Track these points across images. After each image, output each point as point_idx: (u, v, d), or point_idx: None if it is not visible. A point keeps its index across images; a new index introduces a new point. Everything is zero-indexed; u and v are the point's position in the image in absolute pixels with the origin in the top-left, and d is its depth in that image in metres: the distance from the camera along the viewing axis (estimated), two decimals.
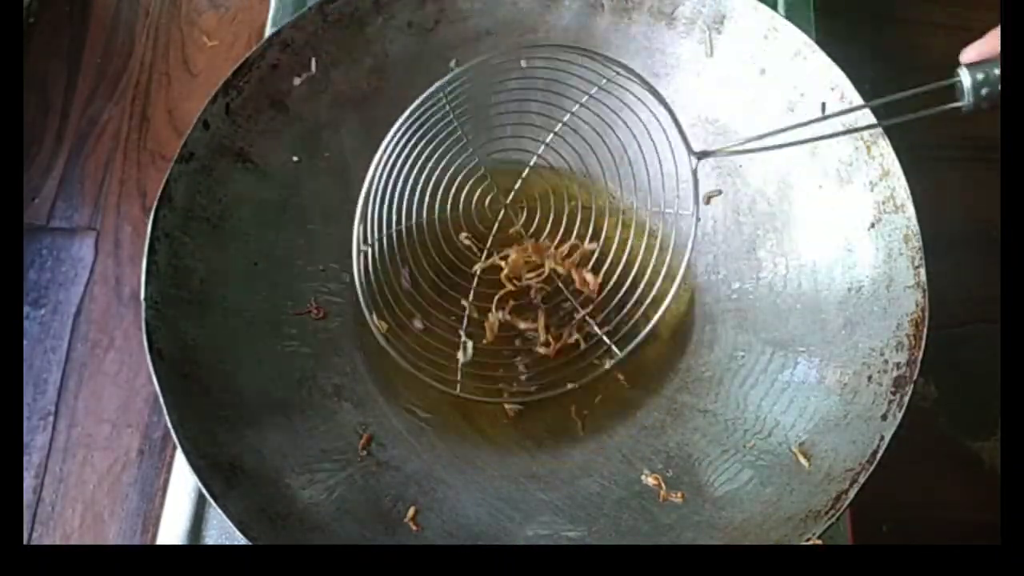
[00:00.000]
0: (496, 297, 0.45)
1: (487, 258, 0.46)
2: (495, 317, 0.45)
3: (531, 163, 0.47)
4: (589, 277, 0.45)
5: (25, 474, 0.51)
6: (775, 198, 0.46)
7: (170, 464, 0.50)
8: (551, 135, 0.46)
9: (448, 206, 0.45)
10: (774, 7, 0.47)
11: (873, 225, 0.42)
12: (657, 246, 0.46)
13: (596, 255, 0.46)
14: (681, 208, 0.44)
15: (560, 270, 0.46)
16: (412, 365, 0.43)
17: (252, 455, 0.40)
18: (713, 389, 0.44)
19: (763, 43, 0.45)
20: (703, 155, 0.42)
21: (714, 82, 0.46)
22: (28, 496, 0.51)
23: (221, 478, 0.38)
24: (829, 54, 0.43)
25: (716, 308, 0.46)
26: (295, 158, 0.46)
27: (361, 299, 0.42)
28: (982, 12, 0.62)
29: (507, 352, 0.45)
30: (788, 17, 0.45)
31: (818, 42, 0.43)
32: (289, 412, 0.42)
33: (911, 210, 0.41)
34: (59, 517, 0.51)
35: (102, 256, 0.57)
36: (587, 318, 0.45)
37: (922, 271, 0.40)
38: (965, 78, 0.37)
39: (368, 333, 0.46)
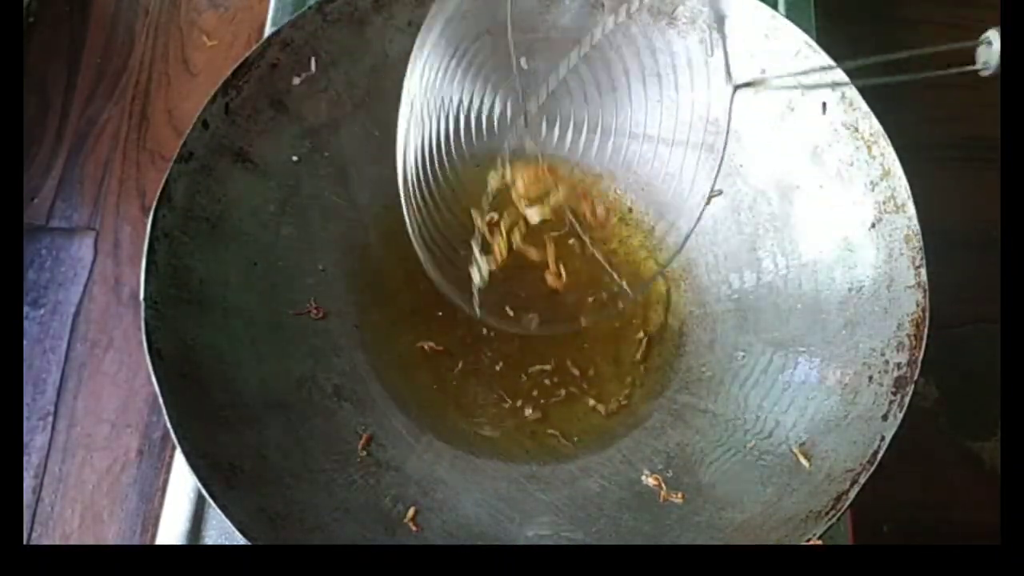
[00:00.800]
0: (508, 221, 0.43)
1: (500, 169, 0.43)
2: (503, 241, 0.43)
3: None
4: (600, 209, 0.44)
5: (24, 474, 0.51)
6: (775, 198, 0.46)
7: (169, 464, 0.50)
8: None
9: (471, 105, 0.42)
10: (774, 7, 0.47)
11: (874, 225, 0.42)
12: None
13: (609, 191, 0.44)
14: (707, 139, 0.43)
15: (571, 202, 0.44)
16: (437, 271, 0.40)
17: (251, 455, 0.39)
18: (713, 389, 0.44)
19: (763, 42, 0.45)
20: (741, 85, 0.42)
21: (714, 82, 0.46)
22: (27, 496, 0.51)
23: (220, 478, 0.38)
24: (829, 54, 0.43)
25: (716, 308, 0.46)
26: (295, 158, 0.46)
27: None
28: (982, 12, 0.62)
29: (519, 282, 0.44)
30: (788, 17, 0.44)
31: (818, 42, 0.43)
32: (289, 412, 0.42)
33: (912, 210, 0.41)
34: (58, 517, 0.50)
35: (101, 256, 0.57)
36: (596, 253, 0.44)
37: (923, 271, 0.40)
38: (995, 40, 0.34)
39: (368, 333, 0.46)
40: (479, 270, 0.42)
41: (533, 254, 0.44)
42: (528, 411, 0.45)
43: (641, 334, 0.47)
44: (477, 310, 0.41)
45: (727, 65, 0.41)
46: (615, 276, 0.43)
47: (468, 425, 0.45)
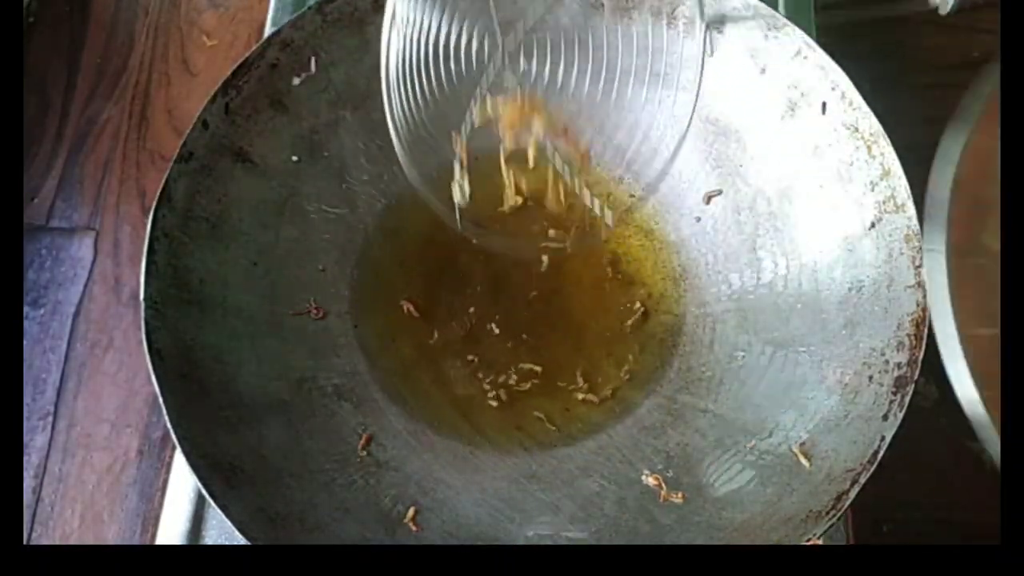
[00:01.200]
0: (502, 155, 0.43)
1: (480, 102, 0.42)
2: (509, 177, 0.45)
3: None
4: (582, 144, 0.44)
5: (24, 474, 0.51)
6: (775, 198, 0.46)
7: (169, 464, 0.50)
8: None
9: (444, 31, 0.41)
10: (775, 7, 0.47)
11: (874, 225, 0.42)
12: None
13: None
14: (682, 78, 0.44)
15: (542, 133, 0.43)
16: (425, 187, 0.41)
17: (251, 455, 0.40)
18: (713, 389, 0.44)
19: (763, 43, 0.45)
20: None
21: (714, 82, 0.46)
22: (27, 496, 0.51)
23: (220, 478, 0.38)
24: (830, 54, 0.43)
25: (716, 308, 0.46)
26: (295, 158, 0.46)
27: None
28: (983, 12, 0.62)
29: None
30: (788, 17, 0.44)
31: (818, 41, 0.43)
32: (288, 412, 0.42)
33: (912, 210, 0.41)
34: (58, 517, 0.50)
35: (101, 256, 0.57)
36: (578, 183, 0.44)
37: (923, 271, 0.40)
38: None
39: (367, 333, 0.46)
40: (460, 189, 0.43)
41: (526, 183, 0.46)
42: (524, 406, 0.45)
43: (639, 305, 0.47)
44: (459, 225, 0.42)
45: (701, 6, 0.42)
46: (595, 204, 0.43)
47: (468, 424, 0.45)
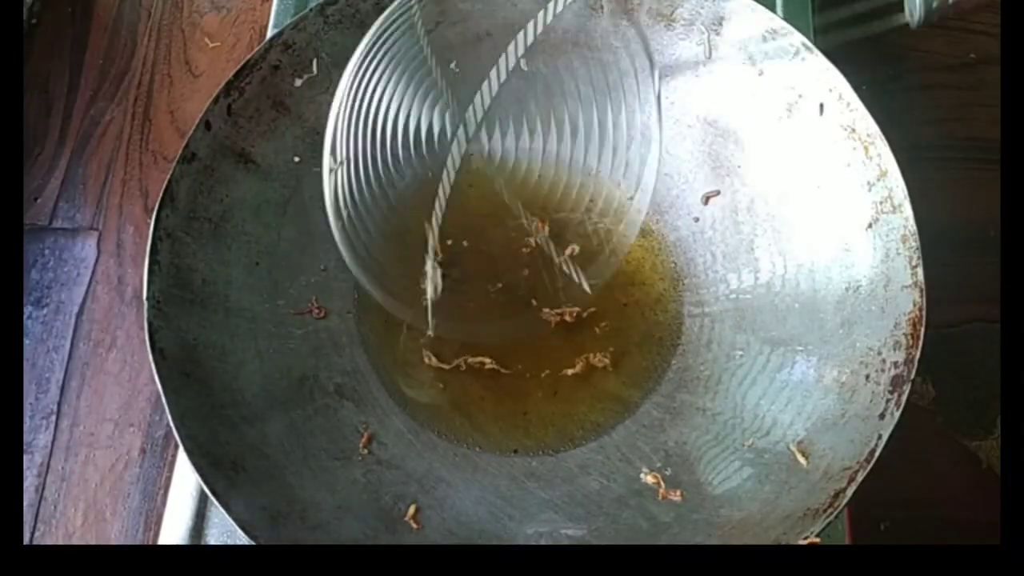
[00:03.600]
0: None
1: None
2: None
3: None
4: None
5: (28, 473, 0.51)
6: (773, 198, 0.46)
7: (172, 463, 0.51)
8: None
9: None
10: (772, 9, 0.48)
11: (871, 225, 0.42)
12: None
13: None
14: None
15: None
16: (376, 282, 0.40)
17: (254, 454, 0.40)
18: (711, 388, 0.45)
19: (761, 45, 0.45)
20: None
21: (713, 84, 0.47)
22: (31, 495, 0.51)
23: (223, 477, 0.38)
24: (827, 56, 0.43)
25: (714, 307, 0.47)
26: (296, 158, 0.46)
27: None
28: (981, 13, 0.62)
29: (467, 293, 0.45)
30: (786, 19, 0.45)
31: (816, 44, 0.44)
32: (290, 411, 0.42)
33: (908, 210, 0.41)
34: (61, 515, 0.51)
35: (104, 256, 0.57)
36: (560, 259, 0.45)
37: (919, 271, 0.40)
38: None
39: (369, 332, 0.46)
40: (433, 283, 0.43)
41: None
42: (524, 404, 0.45)
43: (636, 304, 0.47)
44: (430, 324, 0.43)
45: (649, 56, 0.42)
46: (575, 274, 0.44)
47: (469, 423, 0.45)
